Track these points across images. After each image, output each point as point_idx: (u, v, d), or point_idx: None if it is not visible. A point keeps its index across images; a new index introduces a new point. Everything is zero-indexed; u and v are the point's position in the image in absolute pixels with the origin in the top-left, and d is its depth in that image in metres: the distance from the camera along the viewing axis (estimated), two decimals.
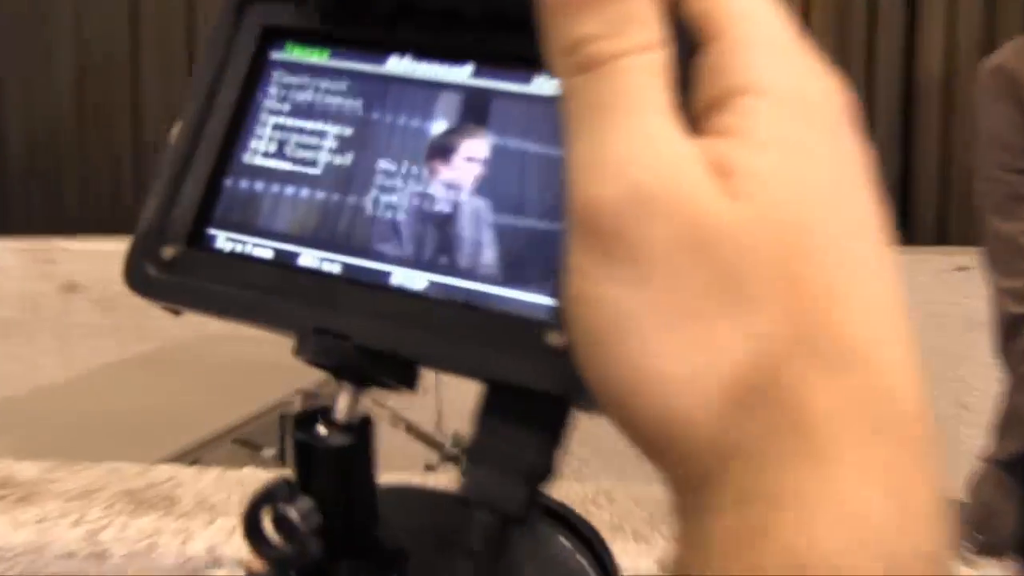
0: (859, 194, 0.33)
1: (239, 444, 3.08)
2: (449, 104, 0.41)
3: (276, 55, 0.45)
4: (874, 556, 0.29)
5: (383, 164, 0.42)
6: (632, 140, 0.32)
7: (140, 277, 0.44)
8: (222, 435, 2.67)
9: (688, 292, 0.31)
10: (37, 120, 3.48)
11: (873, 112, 3.20)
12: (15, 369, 3.21)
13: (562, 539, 0.48)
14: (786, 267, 0.31)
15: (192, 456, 2.46)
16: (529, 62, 0.40)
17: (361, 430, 0.43)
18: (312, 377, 3.08)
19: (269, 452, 3.16)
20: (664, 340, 0.31)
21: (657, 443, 0.32)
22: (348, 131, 0.43)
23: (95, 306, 3.32)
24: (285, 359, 0.44)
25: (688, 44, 0.34)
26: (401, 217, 0.41)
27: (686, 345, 0.31)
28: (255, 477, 1.77)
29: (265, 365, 3.32)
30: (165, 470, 1.65)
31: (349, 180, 0.42)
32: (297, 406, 2.95)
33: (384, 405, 2.86)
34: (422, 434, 2.51)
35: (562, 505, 0.47)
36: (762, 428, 0.30)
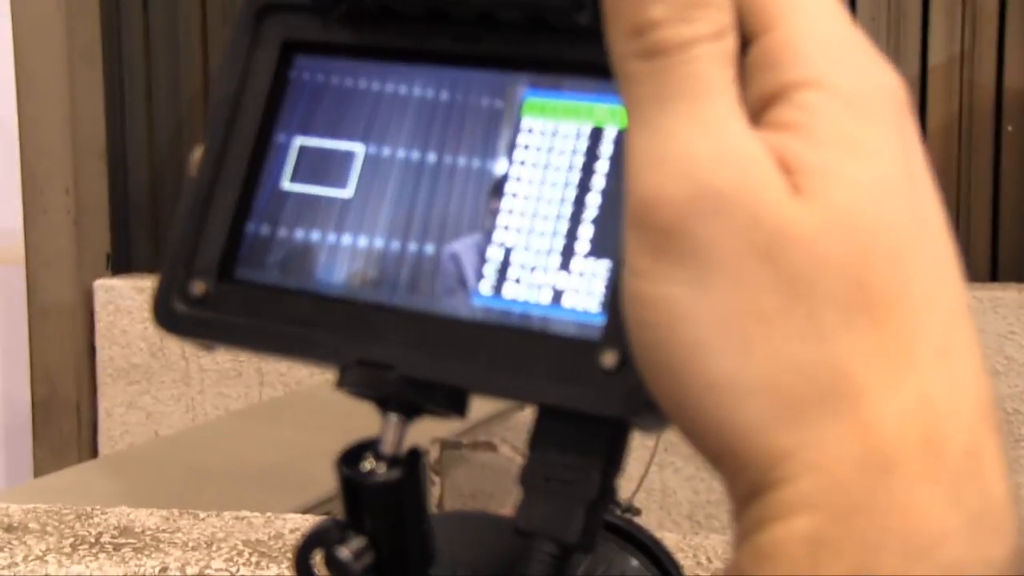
0: (924, 193, 0.34)
1: None
2: (478, 121, 0.43)
3: (299, 70, 0.45)
4: (940, 567, 0.31)
5: (414, 180, 0.43)
6: (699, 133, 0.33)
7: (169, 315, 0.45)
8: None
9: (752, 295, 0.32)
10: (161, 144, 3.47)
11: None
12: (137, 416, 3.31)
13: (630, 558, 0.51)
14: (855, 272, 0.32)
15: (324, 508, 2.48)
16: (569, 68, 0.41)
17: (410, 463, 0.43)
18: (454, 423, 3.11)
19: None
20: (724, 344, 0.32)
21: (717, 449, 0.33)
22: (377, 148, 0.44)
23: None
24: None
25: (739, 36, 0.35)
26: (443, 242, 0.42)
27: (747, 350, 0.32)
28: None
29: None
30: (292, 520, 1.70)
31: (383, 200, 0.43)
32: (434, 456, 3.00)
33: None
34: None
35: (629, 522, 0.50)
36: (825, 437, 0.32)
